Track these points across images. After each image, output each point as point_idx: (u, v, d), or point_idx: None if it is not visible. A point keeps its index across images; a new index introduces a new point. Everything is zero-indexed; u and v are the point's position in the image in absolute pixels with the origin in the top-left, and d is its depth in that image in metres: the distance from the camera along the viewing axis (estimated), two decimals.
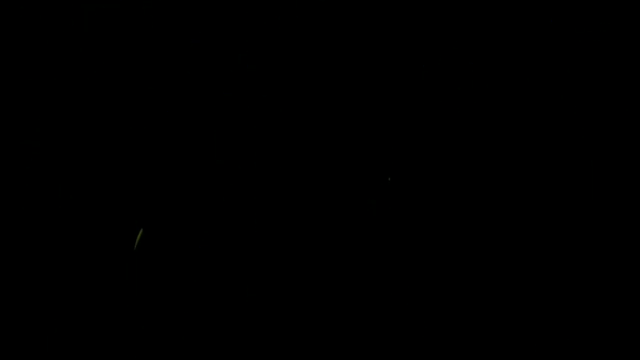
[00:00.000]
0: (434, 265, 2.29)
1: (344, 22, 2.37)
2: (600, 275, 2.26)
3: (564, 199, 2.30)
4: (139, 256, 2.29)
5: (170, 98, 2.36)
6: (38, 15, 2.37)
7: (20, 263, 2.28)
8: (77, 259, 2.29)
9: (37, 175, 2.32)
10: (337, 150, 2.34)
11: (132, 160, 2.33)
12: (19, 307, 2.26)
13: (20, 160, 2.32)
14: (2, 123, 2.34)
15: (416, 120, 2.35)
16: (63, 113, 2.36)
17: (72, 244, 2.30)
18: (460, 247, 2.29)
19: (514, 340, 2.24)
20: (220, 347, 2.25)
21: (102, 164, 2.34)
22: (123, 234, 2.31)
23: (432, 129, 2.35)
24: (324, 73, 2.36)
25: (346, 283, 2.29)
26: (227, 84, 2.37)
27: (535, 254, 2.28)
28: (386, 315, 2.26)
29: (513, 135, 2.33)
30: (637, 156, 2.30)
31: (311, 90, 2.36)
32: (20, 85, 2.36)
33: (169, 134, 2.35)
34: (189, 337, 2.26)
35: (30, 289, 2.27)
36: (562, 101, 2.34)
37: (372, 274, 2.29)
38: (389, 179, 1.84)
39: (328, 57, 2.37)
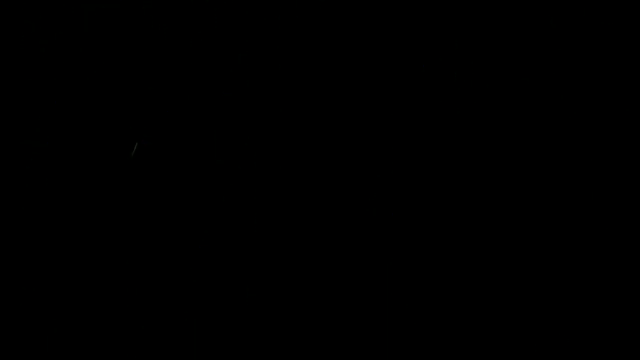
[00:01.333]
0: (434, 265, 2.29)
1: (344, 22, 2.37)
2: (600, 275, 2.26)
3: (563, 199, 2.30)
4: (139, 258, 2.29)
5: (170, 98, 2.36)
6: (38, 14, 2.37)
7: (20, 262, 2.28)
8: (77, 262, 2.29)
9: (37, 175, 2.32)
10: (337, 150, 2.34)
11: (131, 160, 2.34)
12: (19, 306, 2.27)
13: (20, 160, 2.32)
14: (2, 123, 2.34)
15: (416, 120, 2.35)
16: (63, 113, 2.36)
17: (72, 245, 2.30)
18: (460, 247, 2.29)
19: (514, 341, 2.24)
20: (220, 347, 2.25)
21: (102, 165, 2.34)
22: (123, 236, 2.31)
23: (432, 129, 2.35)
24: (324, 73, 2.36)
25: (346, 283, 2.29)
26: (227, 84, 2.37)
27: (535, 254, 2.28)
28: (386, 316, 2.26)
29: (513, 136, 2.33)
30: (637, 156, 2.30)
31: (311, 90, 2.36)
32: (20, 85, 2.36)
33: (168, 134, 2.35)
34: (188, 337, 2.26)
35: (30, 288, 2.27)
36: (562, 101, 2.34)
37: (372, 273, 2.29)
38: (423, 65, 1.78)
39: (328, 57, 2.37)
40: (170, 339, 2.25)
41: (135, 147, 2.17)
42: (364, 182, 2.33)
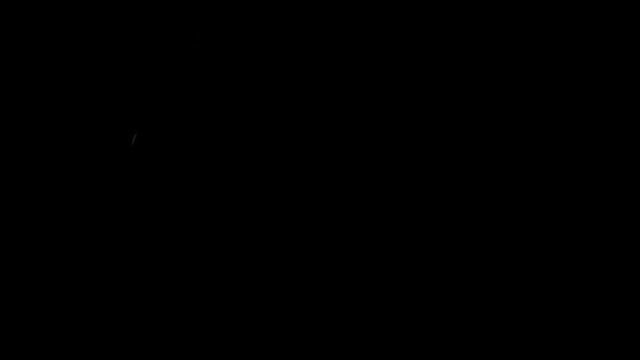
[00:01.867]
0: (433, 265, 2.29)
1: (344, 22, 2.37)
2: (600, 276, 2.26)
3: (563, 199, 2.31)
4: (139, 257, 2.29)
5: (170, 98, 2.36)
6: (38, 14, 2.37)
7: (20, 261, 2.28)
8: (75, 260, 2.29)
9: (37, 176, 2.32)
10: (336, 150, 2.34)
11: (132, 160, 2.34)
12: (18, 306, 2.27)
13: (20, 160, 2.33)
14: (2, 123, 2.34)
15: (415, 120, 2.35)
16: (63, 113, 2.36)
17: (70, 241, 2.30)
18: (460, 247, 2.30)
19: (514, 341, 2.24)
20: (220, 347, 2.26)
21: (101, 166, 2.34)
22: (122, 236, 2.31)
23: (432, 129, 2.35)
24: (324, 73, 2.36)
25: (345, 283, 2.29)
26: (227, 83, 2.37)
27: (535, 254, 2.29)
28: (386, 316, 2.27)
29: (512, 136, 2.33)
30: (637, 156, 2.30)
31: (311, 90, 2.36)
32: (20, 85, 2.36)
33: (168, 135, 2.35)
34: (188, 338, 2.26)
35: (31, 291, 2.28)
36: (561, 101, 2.34)
37: (371, 274, 2.30)
38: None
39: (328, 57, 2.37)
40: (170, 339, 2.26)
41: (134, 138, 2.17)
42: (364, 182, 2.33)
